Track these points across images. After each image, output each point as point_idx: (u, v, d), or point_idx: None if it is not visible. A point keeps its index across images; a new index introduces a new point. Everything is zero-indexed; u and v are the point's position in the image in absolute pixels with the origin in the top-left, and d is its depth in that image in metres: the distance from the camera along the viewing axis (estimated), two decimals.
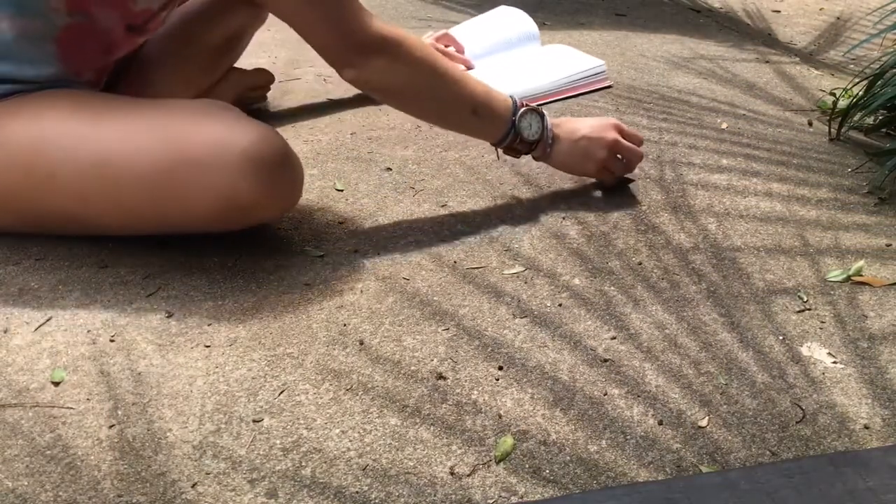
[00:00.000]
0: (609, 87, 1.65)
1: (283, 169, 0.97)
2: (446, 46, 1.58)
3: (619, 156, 1.19)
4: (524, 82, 1.52)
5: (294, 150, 1.00)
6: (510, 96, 1.13)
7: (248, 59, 1.71)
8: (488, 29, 1.70)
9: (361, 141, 1.37)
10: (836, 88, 1.69)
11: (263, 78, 1.47)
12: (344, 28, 1.01)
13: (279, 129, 1.39)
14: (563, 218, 1.16)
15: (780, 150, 1.39)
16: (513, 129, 1.12)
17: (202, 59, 1.30)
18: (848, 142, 1.45)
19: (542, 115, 1.14)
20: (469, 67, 1.57)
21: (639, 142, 1.22)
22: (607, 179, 1.22)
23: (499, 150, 1.17)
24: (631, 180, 1.25)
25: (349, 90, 1.57)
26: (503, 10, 1.78)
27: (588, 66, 1.60)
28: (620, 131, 1.19)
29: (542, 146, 1.15)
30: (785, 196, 1.24)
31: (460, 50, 1.61)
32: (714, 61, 1.85)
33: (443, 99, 1.09)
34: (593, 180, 1.24)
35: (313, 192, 1.20)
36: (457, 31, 1.67)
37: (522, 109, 1.12)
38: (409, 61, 1.04)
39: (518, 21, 1.74)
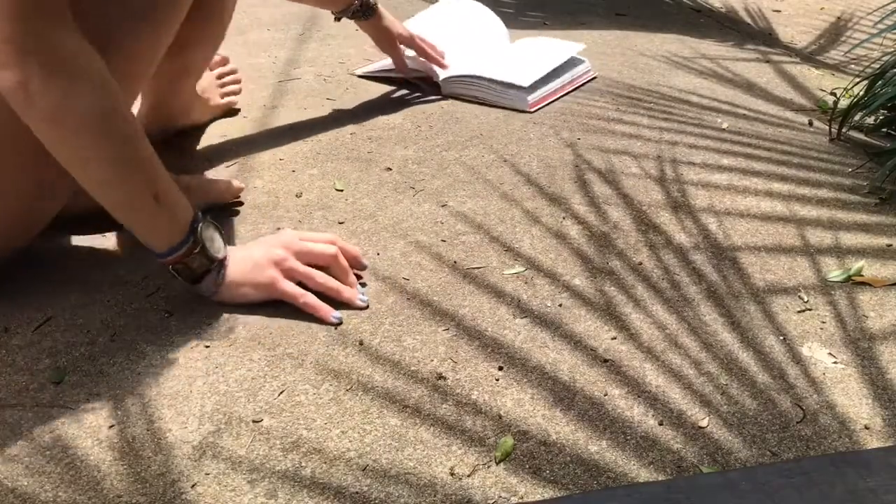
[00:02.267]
0: (594, 78, 1.65)
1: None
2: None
3: (299, 266, 0.95)
4: (515, 75, 1.51)
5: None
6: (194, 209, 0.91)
7: (248, 59, 1.71)
8: (455, 29, 1.65)
9: (361, 141, 1.37)
10: (836, 88, 1.69)
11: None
12: (15, 15, 0.76)
13: (279, 130, 1.40)
14: (563, 218, 1.16)
15: (780, 150, 1.39)
16: (192, 236, 0.89)
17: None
18: (848, 142, 1.45)
19: (220, 230, 0.94)
20: (444, 67, 1.55)
21: (327, 241, 0.98)
22: (296, 301, 0.94)
23: (161, 262, 0.91)
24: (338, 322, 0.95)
25: (348, 90, 1.57)
26: (462, 5, 1.75)
27: (568, 51, 1.60)
28: (291, 241, 0.96)
29: (216, 273, 0.92)
30: (785, 196, 1.24)
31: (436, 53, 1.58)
32: (714, 61, 1.85)
33: (125, 160, 0.84)
34: (598, 185, 1.24)
35: (313, 192, 1.20)
36: (416, 24, 1.61)
37: (203, 221, 0.91)
38: (102, 93, 0.81)
39: (484, 19, 1.72)
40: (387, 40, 1.48)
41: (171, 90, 1.27)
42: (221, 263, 0.92)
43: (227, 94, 1.45)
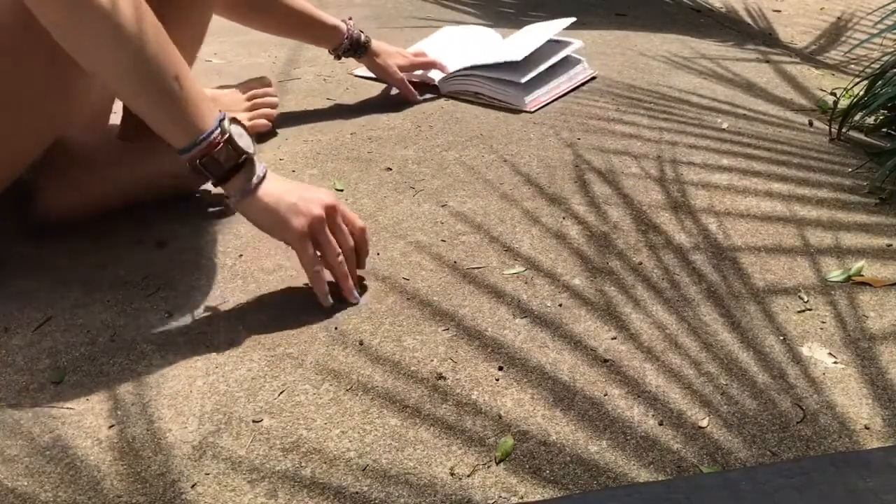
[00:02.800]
0: (593, 78, 1.65)
1: None
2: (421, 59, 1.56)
3: (330, 237, 0.93)
4: (503, 55, 1.51)
5: None
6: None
7: (247, 59, 1.72)
8: (453, 46, 1.68)
9: (361, 141, 1.37)
10: (836, 88, 1.69)
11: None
12: None
13: (279, 130, 1.40)
14: (563, 218, 1.16)
15: (780, 150, 1.39)
16: (219, 128, 0.86)
17: None
18: (848, 142, 1.45)
19: (254, 140, 0.91)
20: (445, 71, 1.55)
21: (358, 231, 0.96)
22: (303, 267, 0.93)
23: (185, 162, 0.87)
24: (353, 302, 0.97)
25: (348, 90, 1.57)
26: (455, 28, 1.78)
27: (557, 26, 1.60)
28: (336, 210, 0.94)
29: (247, 174, 0.88)
30: (785, 196, 1.24)
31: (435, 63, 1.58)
32: (714, 61, 1.85)
33: (143, 39, 0.80)
34: (598, 185, 1.24)
35: None
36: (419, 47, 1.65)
37: (228, 120, 0.88)
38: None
39: (482, 34, 1.74)
40: (385, 74, 1.50)
41: None
42: (252, 163, 0.88)
43: (257, 118, 1.34)
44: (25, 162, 0.99)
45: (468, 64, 1.52)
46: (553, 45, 1.61)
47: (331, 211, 0.92)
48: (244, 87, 1.38)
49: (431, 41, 1.71)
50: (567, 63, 1.61)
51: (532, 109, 1.49)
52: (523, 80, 1.48)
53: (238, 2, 1.29)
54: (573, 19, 1.64)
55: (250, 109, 1.35)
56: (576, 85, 1.61)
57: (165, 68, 0.82)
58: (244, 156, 0.87)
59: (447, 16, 2.08)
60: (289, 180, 0.93)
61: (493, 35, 1.73)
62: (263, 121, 1.35)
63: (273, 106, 1.38)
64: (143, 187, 1.11)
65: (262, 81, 1.39)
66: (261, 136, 1.35)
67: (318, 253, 0.93)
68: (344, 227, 0.95)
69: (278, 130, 1.39)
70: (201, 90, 0.86)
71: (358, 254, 0.97)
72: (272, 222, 0.90)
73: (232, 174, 0.88)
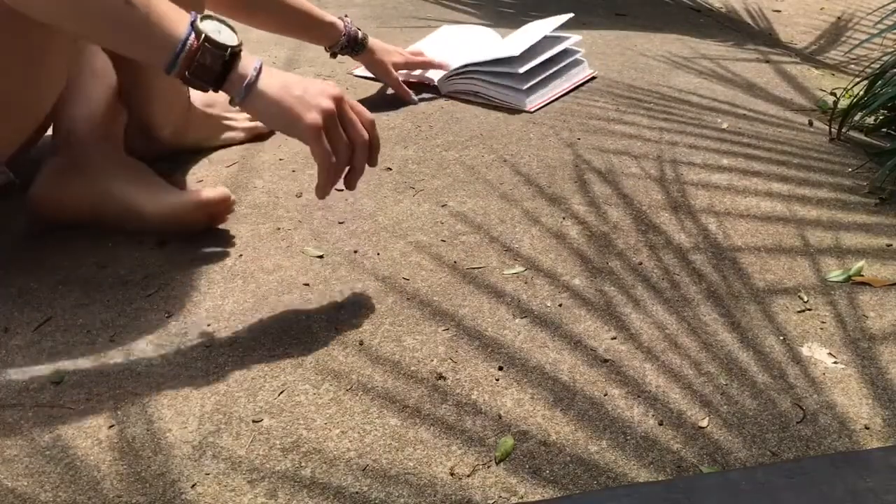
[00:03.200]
0: (594, 78, 1.65)
1: None
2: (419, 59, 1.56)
3: (341, 131, 0.88)
4: (500, 50, 1.52)
5: None
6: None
7: None
8: (454, 45, 1.68)
9: None
10: (836, 88, 1.69)
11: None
12: None
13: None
14: (563, 218, 1.16)
15: (780, 150, 1.39)
16: (193, 31, 0.80)
17: None
18: (848, 142, 1.45)
19: (232, 28, 0.85)
20: (445, 69, 1.54)
21: (368, 122, 0.92)
22: (318, 161, 0.88)
23: (176, 77, 0.82)
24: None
25: (348, 90, 1.57)
26: (454, 27, 1.78)
27: (555, 22, 1.60)
28: (345, 102, 0.89)
29: (239, 74, 0.83)
30: (785, 196, 1.24)
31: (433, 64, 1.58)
32: (715, 61, 1.85)
33: None
34: (598, 185, 1.24)
35: (313, 191, 1.20)
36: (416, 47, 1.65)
37: (204, 17, 0.83)
38: None
39: (482, 34, 1.74)
40: (381, 72, 1.49)
41: (141, 91, 1.12)
42: (239, 57, 0.83)
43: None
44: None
45: (466, 62, 1.52)
46: (551, 40, 1.61)
47: (340, 103, 0.87)
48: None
49: (430, 41, 1.71)
50: (567, 63, 1.61)
51: (532, 110, 1.49)
52: (521, 70, 1.48)
53: (238, 1, 1.29)
54: (571, 15, 1.64)
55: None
56: (576, 85, 1.61)
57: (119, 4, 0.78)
58: (229, 50, 0.81)
59: (447, 16, 2.08)
60: (288, 73, 0.87)
61: (491, 34, 1.73)
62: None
63: None
64: (130, 216, 1.05)
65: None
66: (261, 137, 1.35)
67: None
68: (356, 119, 0.89)
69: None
70: (164, 2, 0.81)
71: (371, 149, 0.91)
72: (283, 116, 0.85)
73: (225, 74, 0.82)
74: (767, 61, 1.88)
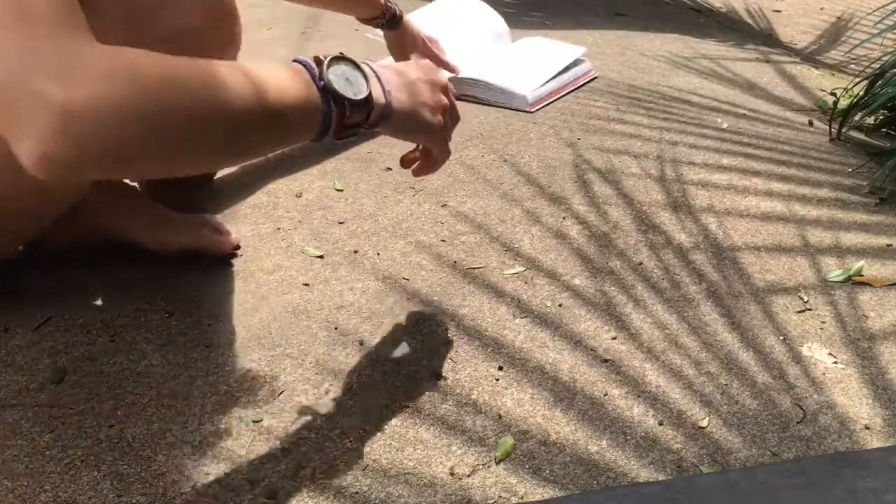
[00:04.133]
0: (595, 78, 1.65)
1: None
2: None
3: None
4: (517, 82, 1.51)
5: None
6: (295, 60, 0.75)
7: (248, 59, 1.71)
8: (457, 28, 1.65)
9: (361, 141, 1.37)
10: (836, 88, 1.69)
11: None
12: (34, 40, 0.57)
13: None
14: (563, 218, 1.16)
15: (780, 150, 1.39)
16: (331, 100, 0.72)
17: None
18: (848, 142, 1.45)
19: (354, 62, 0.76)
20: (455, 73, 1.54)
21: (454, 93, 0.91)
22: (441, 159, 0.89)
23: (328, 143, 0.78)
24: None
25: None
26: (464, 3, 1.75)
27: (571, 55, 1.60)
28: (448, 89, 0.88)
29: (378, 108, 0.77)
30: (785, 196, 1.24)
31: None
32: (715, 61, 1.85)
33: (223, 111, 0.65)
34: (598, 185, 1.24)
35: (313, 192, 1.20)
36: (418, 21, 1.62)
37: (322, 64, 0.73)
38: (156, 64, 0.62)
39: (485, 17, 1.72)
40: (401, 52, 1.47)
41: None
42: (370, 98, 0.76)
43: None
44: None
45: (477, 76, 1.51)
46: (558, 50, 1.62)
47: (446, 92, 0.86)
48: None
49: (431, 12, 1.67)
50: (571, 63, 1.61)
51: (532, 110, 1.49)
52: (529, 94, 1.49)
53: None
54: (584, 49, 1.64)
55: None
56: (578, 85, 1.61)
57: (255, 111, 0.68)
58: (365, 97, 0.75)
59: None
60: (391, 68, 0.82)
61: (496, 20, 1.70)
62: None
63: None
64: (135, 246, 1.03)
65: None
66: None
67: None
68: (455, 105, 0.88)
69: None
70: (288, 87, 0.71)
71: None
72: (416, 129, 0.84)
73: (368, 116, 0.76)
74: (767, 61, 1.88)
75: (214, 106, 0.65)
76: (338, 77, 0.74)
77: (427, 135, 0.85)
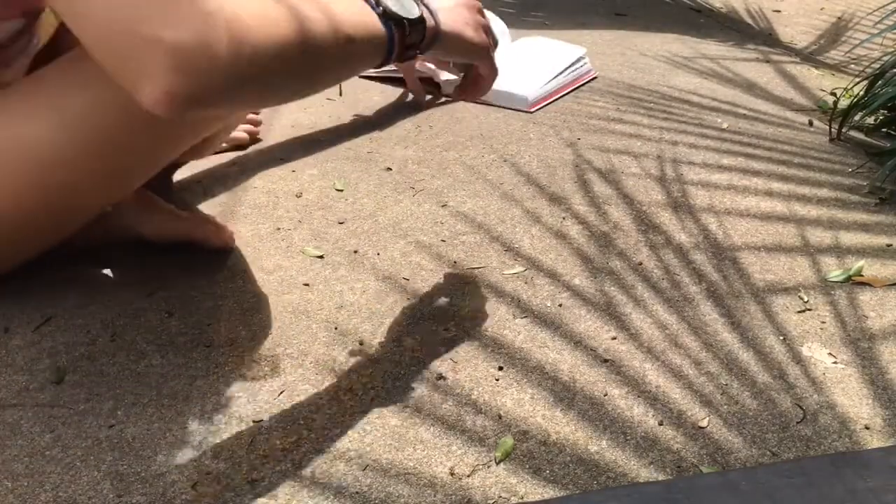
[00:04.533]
0: (594, 78, 1.65)
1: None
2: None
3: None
4: (519, 85, 1.51)
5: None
6: None
7: None
8: None
9: (361, 141, 1.37)
10: (836, 88, 1.69)
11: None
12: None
13: (279, 130, 1.40)
14: (563, 218, 1.16)
15: (780, 150, 1.39)
16: (392, 23, 0.80)
17: None
18: (848, 142, 1.45)
19: None
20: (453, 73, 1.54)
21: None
22: (489, 78, 0.95)
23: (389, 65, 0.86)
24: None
25: (349, 90, 1.57)
26: None
27: (571, 55, 1.60)
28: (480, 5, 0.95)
29: (430, 29, 0.85)
30: (785, 196, 1.24)
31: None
32: (715, 61, 1.85)
33: (311, 44, 0.73)
34: (598, 185, 1.24)
35: (313, 192, 1.20)
36: None
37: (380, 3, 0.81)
38: (243, 24, 0.67)
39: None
40: (404, 67, 1.47)
41: None
42: (424, 21, 0.83)
43: (238, 130, 1.31)
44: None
45: None
46: (559, 51, 1.62)
47: (482, 13, 0.93)
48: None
49: None
50: (570, 64, 1.61)
51: (532, 110, 1.49)
52: (530, 97, 1.49)
53: None
54: (584, 50, 1.64)
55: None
56: (578, 85, 1.61)
57: (337, 48, 0.76)
58: (419, 16, 0.82)
59: None
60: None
61: (498, 25, 1.71)
62: (243, 134, 1.33)
63: (256, 124, 1.35)
64: (132, 238, 1.05)
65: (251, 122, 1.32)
66: (240, 147, 1.32)
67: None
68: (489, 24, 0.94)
69: (278, 129, 1.39)
70: (358, 14, 0.79)
71: None
72: (465, 48, 0.90)
73: (423, 38, 0.84)
74: (768, 61, 1.88)
75: (302, 40, 0.72)
76: (395, 3, 0.81)
77: (475, 54, 0.91)
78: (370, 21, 0.79)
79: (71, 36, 0.72)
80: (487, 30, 0.92)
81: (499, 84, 1.50)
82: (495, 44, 0.95)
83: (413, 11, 0.82)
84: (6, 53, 0.91)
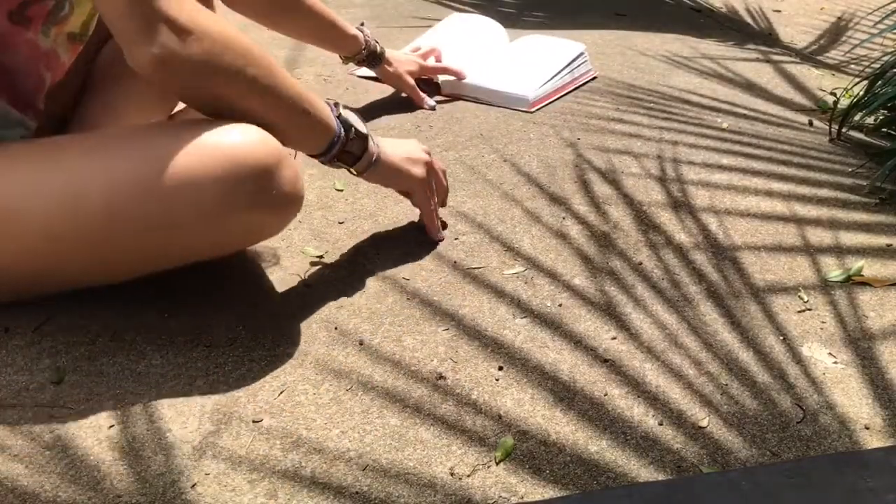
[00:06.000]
0: (594, 78, 1.65)
1: (277, 170, 0.85)
2: (435, 59, 1.56)
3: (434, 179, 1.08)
4: (518, 84, 1.51)
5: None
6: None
7: None
8: (455, 37, 1.67)
9: None
10: (836, 88, 1.69)
11: None
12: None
13: None
14: (563, 218, 1.16)
15: (780, 150, 1.39)
16: (342, 126, 0.94)
17: (150, 89, 1.10)
18: (848, 141, 1.45)
19: (355, 111, 0.99)
20: (461, 77, 1.54)
21: (443, 172, 1.12)
22: (422, 200, 1.07)
23: (321, 162, 0.97)
24: (436, 241, 1.09)
25: (349, 90, 1.57)
26: (461, 17, 1.77)
27: (570, 52, 1.60)
28: (430, 156, 1.08)
29: (369, 153, 0.98)
30: (785, 195, 1.24)
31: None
32: (715, 60, 1.85)
33: (273, 91, 0.87)
34: (598, 184, 1.24)
35: (313, 191, 1.20)
36: (418, 43, 1.64)
37: (338, 108, 0.96)
38: (230, 40, 0.84)
39: (479, 24, 1.73)
40: (397, 82, 1.48)
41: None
42: (369, 138, 0.97)
43: None
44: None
45: (477, 81, 1.51)
46: (557, 48, 1.61)
47: (429, 157, 1.06)
48: None
49: (435, 32, 1.70)
50: (571, 62, 1.61)
51: (532, 109, 1.49)
52: (530, 95, 1.49)
53: (264, 7, 1.27)
54: (584, 47, 1.64)
55: None
56: (578, 84, 1.61)
57: (297, 103, 0.90)
58: (367, 137, 0.97)
59: (447, 15, 2.08)
60: (387, 139, 1.04)
61: (498, 31, 1.72)
62: None
63: None
64: None
65: None
66: None
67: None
68: (440, 174, 1.10)
69: None
70: (318, 101, 0.93)
71: (445, 193, 1.13)
72: (397, 177, 1.04)
73: (361, 156, 0.97)
74: (768, 61, 1.88)
75: (269, 83, 0.87)
76: (349, 114, 0.96)
77: (409, 185, 1.05)
78: (327, 113, 0.93)
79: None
80: (429, 169, 1.06)
81: (498, 84, 1.52)
82: (444, 190, 1.11)
83: (362, 129, 0.97)
84: (46, 7, 0.90)
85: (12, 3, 0.88)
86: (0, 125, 0.89)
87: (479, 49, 1.64)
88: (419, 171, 1.04)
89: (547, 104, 1.52)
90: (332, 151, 0.94)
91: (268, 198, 0.86)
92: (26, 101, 0.93)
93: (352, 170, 0.98)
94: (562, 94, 1.56)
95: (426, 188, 1.06)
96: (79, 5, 0.93)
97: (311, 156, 0.96)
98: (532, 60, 1.59)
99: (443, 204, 1.13)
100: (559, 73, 1.56)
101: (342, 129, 0.94)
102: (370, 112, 1.48)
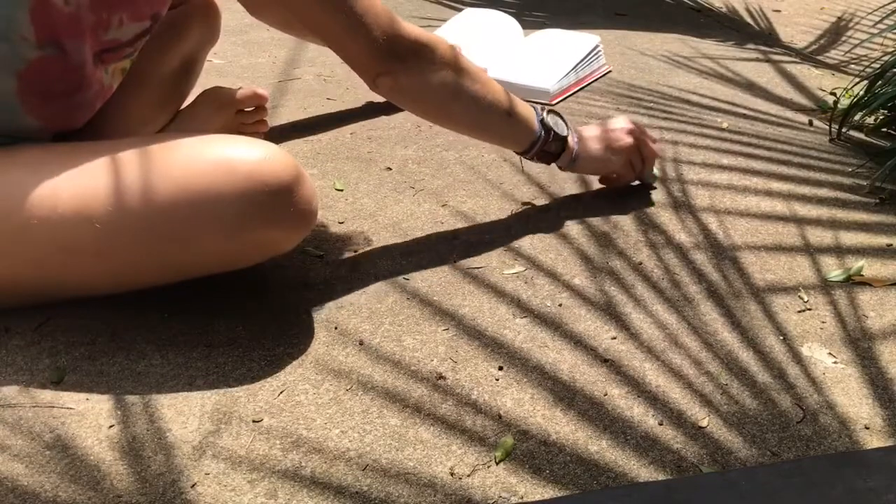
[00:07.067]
0: (609, 71, 1.66)
1: (295, 188, 0.85)
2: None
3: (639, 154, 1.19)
4: (539, 77, 1.52)
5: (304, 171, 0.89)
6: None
7: (248, 59, 1.72)
8: (472, 33, 1.67)
9: (361, 140, 1.37)
10: (836, 88, 1.69)
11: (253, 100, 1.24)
12: (373, 35, 0.93)
13: (279, 129, 1.40)
14: (564, 217, 1.16)
15: (780, 150, 1.39)
16: (543, 129, 1.08)
17: (156, 90, 1.15)
18: (848, 141, 1.45)
19: (560, 115, 1.13)
20: None
21: (653, 139, 1.21)
22: (629, 178, 1.21)
23: (525, 158, 1.12)
24: (653, 187, 1.24)
25: (349, 90, 1.57)
26: (474, 12, 1.78)
27: (587, 45, 1.61)
28: (640, 129, 1.18)
29: (568, 150, 1.11)
30: (785, 195, 1.24)
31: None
32: (715, 60, 1.85)
33: (480, 103, 1.03)
34: (597, 185, 1.24)
35: None
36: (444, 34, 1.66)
37: (543, 110, 1.10)
38: (445, 64, 0.99)
39: (495, 18, 1.74)
40: None
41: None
42: (567, 139, 1.11)
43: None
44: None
45: (499, 77, 1.52)
46: (574, 41, 1.62)
47: (637, 133, 1.17)
48: (238, 101, 1.25)
49: (450, 28, 1.70)
50: (589, 56, 1.62)
51: (554, 102, 1.50)
52: (552, 87, 1.49)
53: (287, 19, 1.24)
54: (598, 39, 1.64)
55: (237, 130, 1.25)
56: (595, 78, 1.63)
57: (500, 110, 1.05)
58: (566, 139, 1.11)
59: (447, 15, 2.08)
60: (591, 125, 1.17)
61: (512, 25, 1.72)
62: None
63: (262, 121, 1.29)
64: None
65: (257, 97, 1.26)
66: (256, 135, 1.33)
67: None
68: (648, 140, 1.19)
69: (278, 129, 1.40)
70: (524, 107, 1.07)
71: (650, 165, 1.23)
72: (599, 169, 1.19)
73: (559, 154, 1.12)
74: (768, 61, 1.88)
75: (490, 101, 1.04)
76: (551, 119, 1.10)
77: (610, 170, 1.19)
78: (532, 117, 1.08)
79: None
80: (633, 148, 1.16)
81: (519, 78, 1.52)
82: (651, 161, 1.21)
83: (562, 131, 1.11)
84: (123, 52, 0.95)
85: (96, 47, 0.90)
86: (22, 138, 0.89)
87: (495, 43, 1.64)
88: (619, 160, 1.16)
89: (567, 97, 1.52)
90: (533, 150, 1.09)
91: (285, 215, 0.86)
92: (67, 125, 0.93)
93: (555, 164, 1.14)
94: (580, 87, 1.57)
95: (629, 172, 1.19)
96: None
97: (516, 152, 1.11)
98: (550, 53, 1.60)
99: (648, 170, 1.22)
100: (577, 65, 1.57)
101: (542, 132, 1.08)
102: (370, 112, 1.48)
